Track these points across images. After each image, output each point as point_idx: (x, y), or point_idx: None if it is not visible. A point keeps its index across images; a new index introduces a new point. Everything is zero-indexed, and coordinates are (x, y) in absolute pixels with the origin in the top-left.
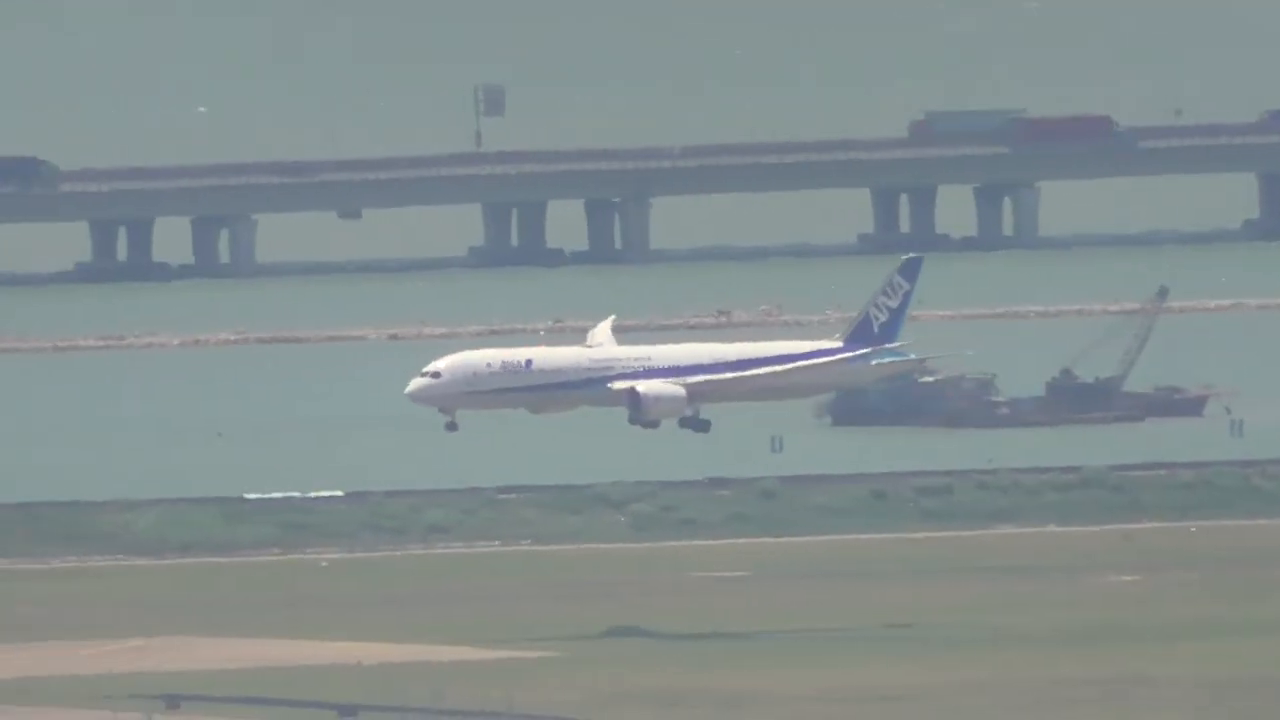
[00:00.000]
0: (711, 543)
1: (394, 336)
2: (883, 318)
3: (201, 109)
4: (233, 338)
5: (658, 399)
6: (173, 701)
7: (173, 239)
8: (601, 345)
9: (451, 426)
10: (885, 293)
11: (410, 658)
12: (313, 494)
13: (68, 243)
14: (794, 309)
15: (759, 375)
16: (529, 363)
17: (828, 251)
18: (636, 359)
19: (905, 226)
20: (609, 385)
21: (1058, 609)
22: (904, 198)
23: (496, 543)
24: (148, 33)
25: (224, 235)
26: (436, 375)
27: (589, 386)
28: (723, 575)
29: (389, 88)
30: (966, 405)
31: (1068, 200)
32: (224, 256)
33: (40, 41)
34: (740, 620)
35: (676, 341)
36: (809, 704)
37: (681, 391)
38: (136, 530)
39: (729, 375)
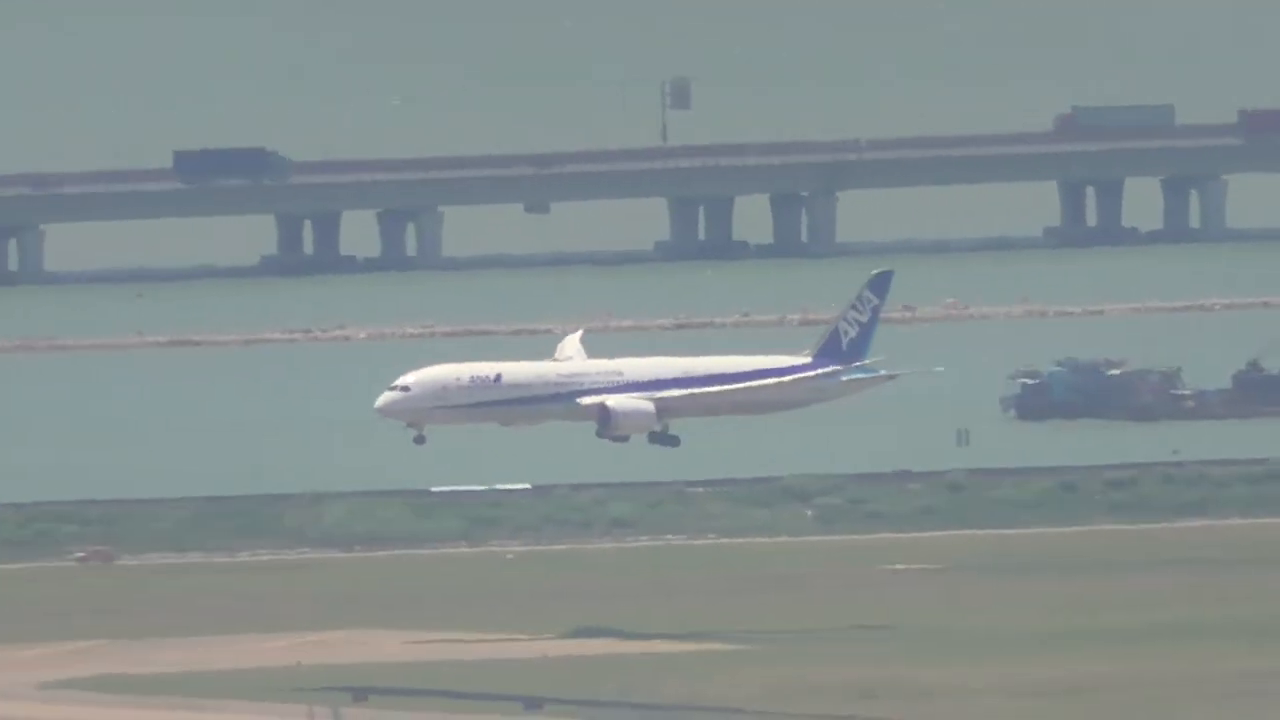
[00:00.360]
0: (898, 536)
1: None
2: (852, 333)
3: (396, 101)
4: (419, 331)
5: (627, 415)
6: (359, 694)
7: (359, 232)
8: (571, 358)
9: (419, 440)
10: (855, 308)
11: (596, 651)
12: (499, 487)
13: (255, 236)
14: (979, 303)
15: (727, 391)
16: (498, 377)
17: (1014, 245)
18: (606, 373)
19: (1092, 220)
20: (578, 400)
21: (1245, 603)
22: (1090, 190)
23: (682, 536)
24: (345, 27)
25: (411, 228)
26: (406, 389)
27: (558, 401)
28: (910, 569)
29: (576, 82)
30: (1152, 398)
31: (1252, 193)
32: (411, 250)
33: (252, 33)
34: (927, 614)
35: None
36: (997, 697)
37: (650, 407)
38: (324, 523)
39: (697, 391)
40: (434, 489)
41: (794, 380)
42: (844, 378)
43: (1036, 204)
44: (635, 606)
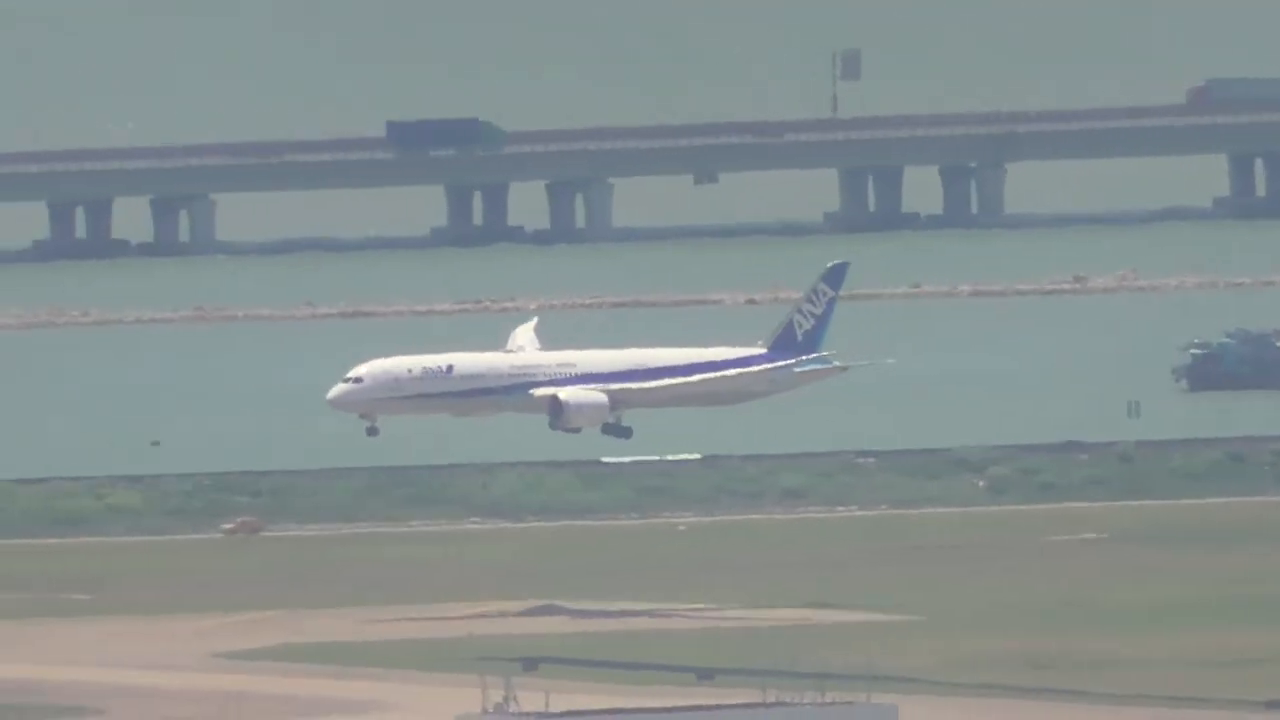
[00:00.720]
0: (1069, 506)
1: (750, 301)
2: (807, 325)
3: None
4: (589, 301)
5: (579, 407)
6: (530, 664)
7: (527, 204)
8: (523, 348)
9: (372, 431)
10: (810, 300)
11: (767, 621)
12: (670, 458)
13: (422, 208)
14: (1151, 274)
15: (680, 383)
16: (450, 368)
17: (1184, 216)
18: (559, 365)
19: (1261, 190)
20: (530, 392)
21: None
22: (1258, 162)
23: (854, 507)
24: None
25: (579, 199)
26: (358, 381)
27: (511, 392)
28: (1080, 539)
29: (746, 52)
30: None
31: None
32: (579, 221)
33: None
34: (1097, 584)
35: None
36: (1169, 668)
37: (603, 399)
38: (494, 493)
39: (651, 383)
40: (604, 459)
41: (748, 372)
42: (798, 369)
43: (1204, 174)
44: (806, 577)
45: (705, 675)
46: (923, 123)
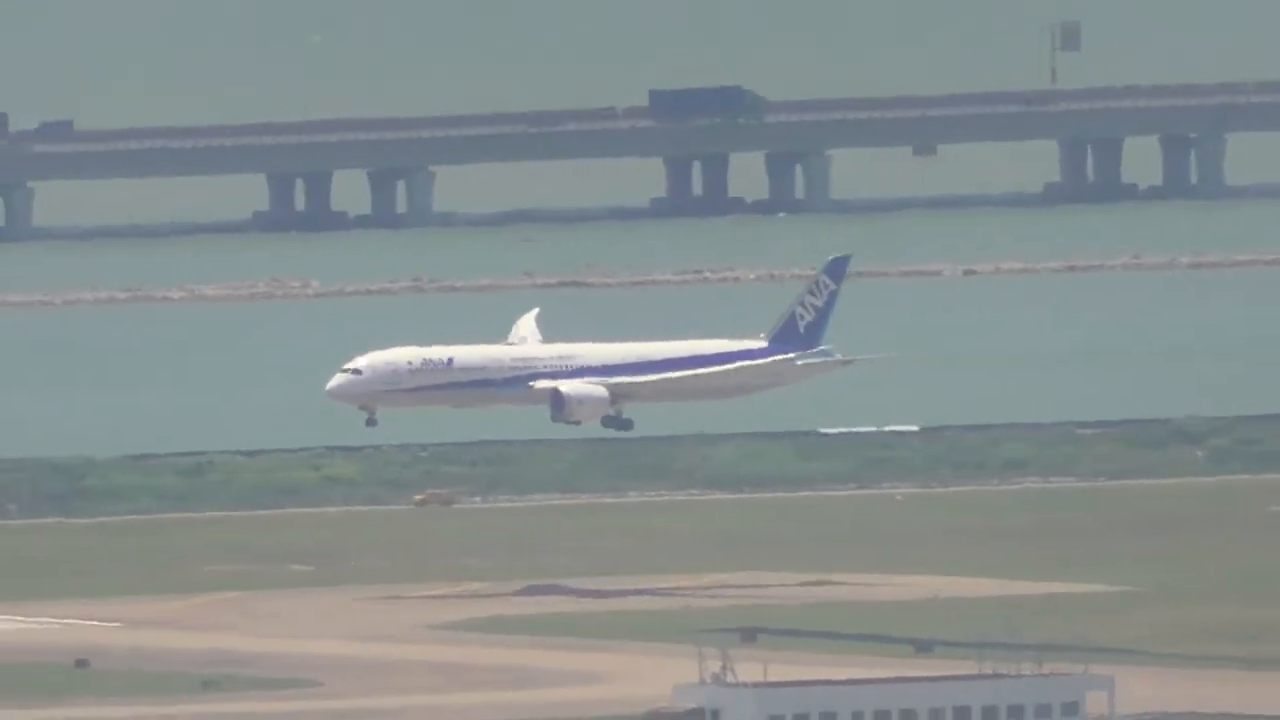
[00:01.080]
0: None
1: (969, 272)
2: (809, 318)
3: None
4: (808, 272)
5: (580, 400)
6: (749, 635)
7: (747, 174)
8: (525, 339)
9: (371, 422)
10: (811, 292)
11: (985, 592)
12: (889, 428)
13: (643, 178)
14: None
15: (680, 377)
16: (450, 361)
17: None
18: (559, 357)
19: None
20: (531, 384)
21: None
22: None
23: (1072, 478)
24: None
25: (798, 170)
26: (358, 372)
27: (511, 385)
28: None
29: (966, 23)
30: None
31: None
32: (799, 192)
33: None
34: None
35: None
36: None
37: (604, 392)
38: (713, 465)
39: (652, 376)
40: (823, 430)
41: (749, 365)
42: (800, 362)
43: None
44: (1024, 548)
45: (923, 646)
46: (1142, 94)
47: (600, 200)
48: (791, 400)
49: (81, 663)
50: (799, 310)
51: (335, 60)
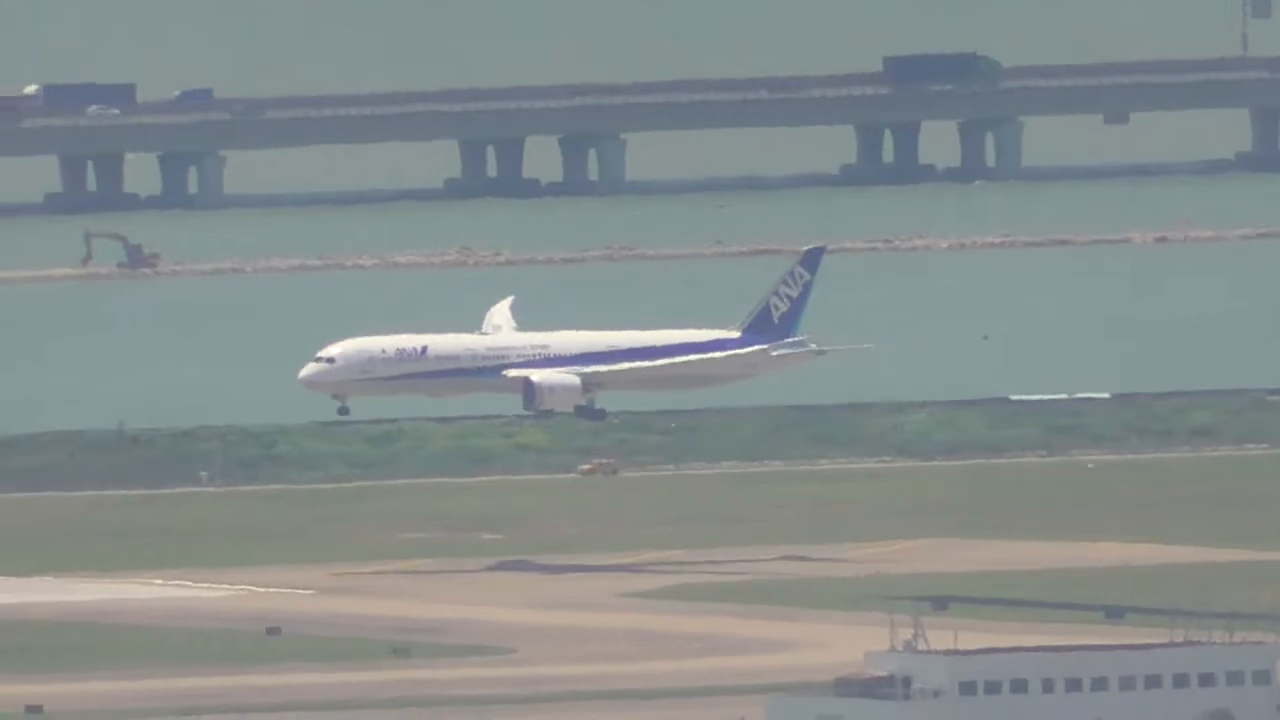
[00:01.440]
0: None
1: (1161, 239)
2: (783, 308)
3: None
4: (999, 240)
5: (552, 389)
6: (940, 603)
7: (939, 142)
8: (499, 327)
9: (344, 410)
10: (786, 283)
11: (1177, 559)
12: (1080, 395)
13: (826, 145)
14: None
15: (654, 366)
16: (424, 349)
17: None
18: (533, 346)
19: None
20: (503, 373)
21: None
22: None
23: (1264, 445)
24: None
25: (990, 139)
26: (331, 360)
27: (484, 374)
28: None
29: None
30: None
31: None
32: (989, 160)
33: None
34: None
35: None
36: None
37: (576, 381)
38: (905, 432)
39: (624, 365)
40: (1013, 397)
41: (722, 355)
42: (774, 353)
43: None
44: (1215, 515)
45: (1115, 614)
46: None
47: (791, 169)
48: (980, 366)
49: (273, 630)
50: (774, 300)
51: (528, 26)
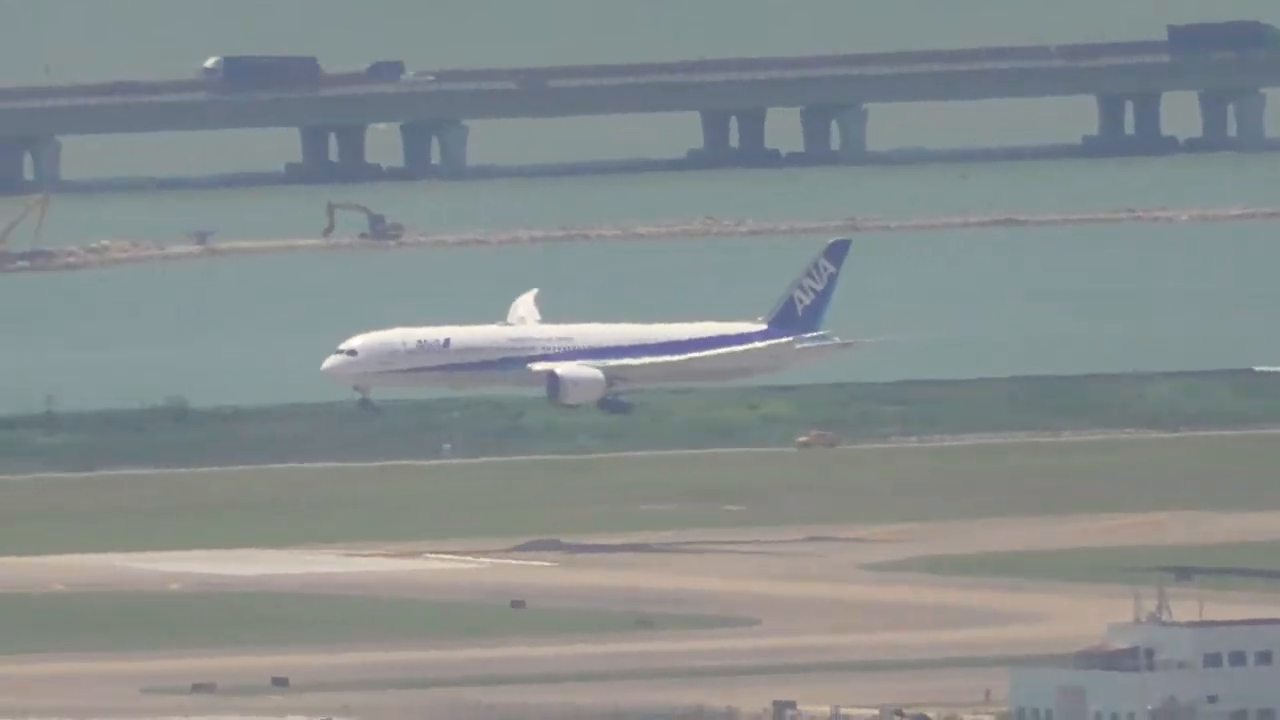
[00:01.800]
0: None
1: None
2: (807, 301)
3: None
4: (1240, 213)
5: (576, 383)
6: (1184, 574)
7: (1180, 112)
8: (523, 319)
9: (366, 404)
10: (810, 275)
11: None
12: None
13: (1075, 115)
14: None
15: (677, 360)
16: (447, 342)
17: None
18: (557, 339)
19: None
20: (528, 366)
21: None
22: None
23: None
24: None
25: (1230, 110)
26: (353, 353)
27: (508, 367)
28: None
29: None
30: None
31: None
32: (1233, 131)
33: None
34: None
35: None
36: None
37: (600, 375)
38: (1150, 403)
39: (649, 359)
40: (1257, 368)
41: (748, 348)
42: (799, 345)
43: None
44: None
45: None
46: None
47: (1032, 139)
48: (1224, 338)
49: (518, 603)
50: (798, 294)
51: None
